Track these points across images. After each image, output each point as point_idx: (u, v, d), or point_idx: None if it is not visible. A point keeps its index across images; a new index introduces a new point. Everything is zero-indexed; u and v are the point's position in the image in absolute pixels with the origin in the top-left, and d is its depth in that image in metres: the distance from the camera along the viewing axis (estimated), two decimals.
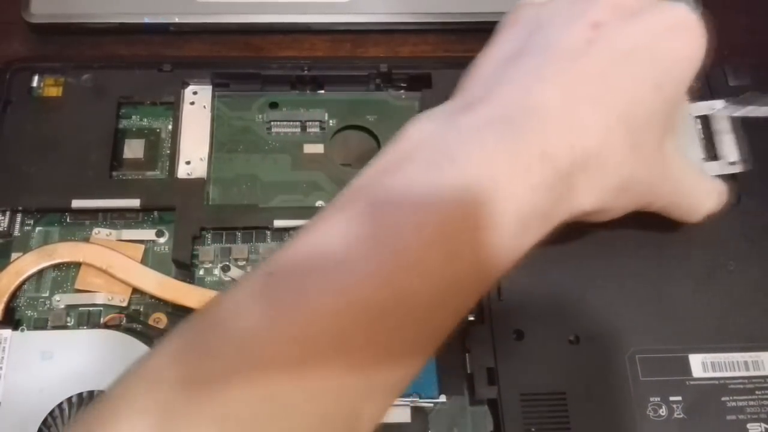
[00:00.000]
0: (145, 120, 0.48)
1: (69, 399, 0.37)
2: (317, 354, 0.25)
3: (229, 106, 0.48)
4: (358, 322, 0.26)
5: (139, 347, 0.38)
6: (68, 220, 0.44)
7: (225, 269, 0.43)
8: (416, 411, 0.39)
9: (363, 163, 0.47)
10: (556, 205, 0.31)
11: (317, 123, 0.48)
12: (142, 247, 0.43)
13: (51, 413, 0.37)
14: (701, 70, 0.49)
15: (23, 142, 0.45)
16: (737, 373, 0.40)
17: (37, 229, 0.44)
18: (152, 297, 0.41)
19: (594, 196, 0.32)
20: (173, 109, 0.47)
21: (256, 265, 0.30)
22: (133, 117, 0.48)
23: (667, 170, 0.35)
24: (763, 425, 0.39)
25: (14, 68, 0.47)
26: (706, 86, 0.48)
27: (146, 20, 0.50)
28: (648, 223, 0.44)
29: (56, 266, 0.42)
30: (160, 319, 0.41)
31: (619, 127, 0.31)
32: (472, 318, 0.42)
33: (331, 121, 0.48)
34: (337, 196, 0.30)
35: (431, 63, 0.49)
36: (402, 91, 0.49)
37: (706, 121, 0.47)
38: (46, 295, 0.42)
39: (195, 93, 0.48)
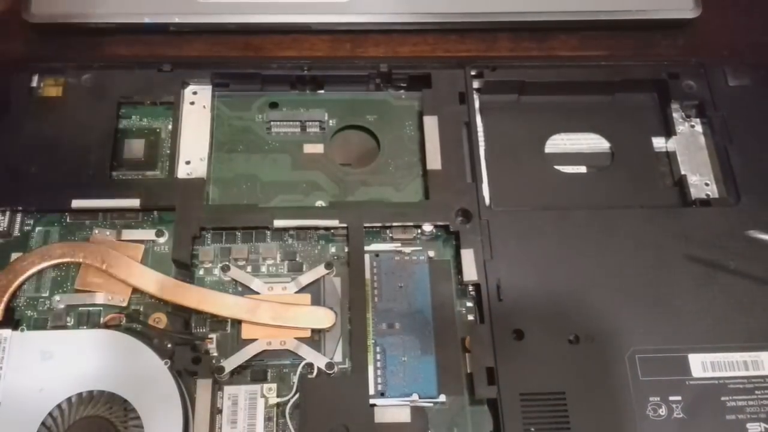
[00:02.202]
0: (145, 120, 0.48)
1: (69, 399, 0.37)
2: None
3: (229, 106, 0.48)
4: None
5: (139, 347, 0.38)
6: (68, 220, 0.44)
7: (225, 269, 0.43)
8: (416, 411, 0.39)
9: (363, 163, 0.48)
10: None
11: (317, 123, 0.48)
12: (142, 247, 0.43)
13: (51, 413, 0.37)
14: (701, 70, 0.49)
15: (23, 142, 0.45)
16: (737, 373, 0.40)
17: (37, 229, 0.44)
18: (152, 297, 0.41)
19: None
20: (173, 109, 0.47)
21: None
22: (133, 117, 0.48)
23: None
24: (762, 425, 0.39)
25: (14, 68, 0.47)
26: (706, 87, 0.48)
27: (146, 20, 0.50)
28: (648, 224, 0.44)
29: (56, 266, 0.42)
30: (160, 319, 0.41)
31: None
32: (471, 318, 0.42)
33: (331, 121, 0.48)
34: None
35: (431, 63, 0.49)
36: (402, 91, 0.49)
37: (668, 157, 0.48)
38: (46, 295, 0.42)
39: (195, 93, 0.48)
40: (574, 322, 0.41)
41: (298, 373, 0.40)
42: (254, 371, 0.40)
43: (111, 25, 0.50)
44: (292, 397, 0.39)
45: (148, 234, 0.44)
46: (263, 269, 0.43)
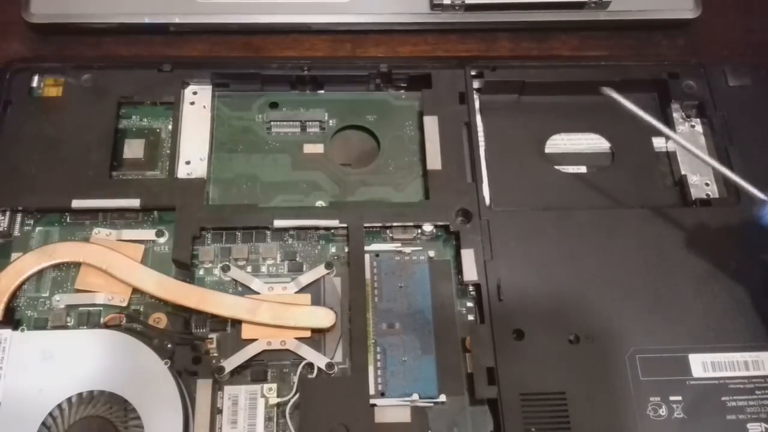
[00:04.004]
0: (145, 120, 0.48)
1: (69, 399, 0.37)
2: None
3: (229, 106, 0.48)
4: None
5: (139, 347, 0.38)
6: (68, 220, 0.44)
7: (225, 269, 0.43)
8: (416, 411, 0.39)
9: (363, 163, 0.48)
10: None
11: (317, 123, 0.48)
12: (142, 247, 0.43)
13: (51, 413, 0.37)
14: (701, 70, 0.49)
15: (23, 142, 0.45)
16: (737, 373, 0.40)
17: (37, 229, 0.44)
18: (152, 297, 0.41)
19: None
20: (173, 109, 0.47)
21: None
22: (133, 117, 0.48)
23: None
24: (763, 425, 0.39)
25: (14, 68, 0.47)
26: (706, 87, 0.48)
27: (146, 20, 0.50)
28: (648, 224, 0.44)
29: (56, 266, 0.42)
30: (160, 319, 0.41)
31: None
32: (472, 318, 0.42)
33: (331, 121, 0.48)
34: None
35: (431, 63, 0.49)
36: (402, 91, 0.49)
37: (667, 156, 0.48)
38: (46, 295, 0.42)
39: (195, 93, 0.48)
40: (574, 322, 0.41)
41: (298, 373, 0.40)
42: (254, 371, 0.40)
43: (111, 25, 0.50)
44: (292, 397, 0.39)
45: (148, 234, 0.44)
46: (263, 269, 0.43)
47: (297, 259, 0.43)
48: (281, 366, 0.40)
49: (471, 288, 0.43)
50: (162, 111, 0.48)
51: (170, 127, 0.47)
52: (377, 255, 0.43)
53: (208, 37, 0.51)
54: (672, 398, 0.39)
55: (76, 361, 0.38)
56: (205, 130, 0.47)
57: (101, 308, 0.41)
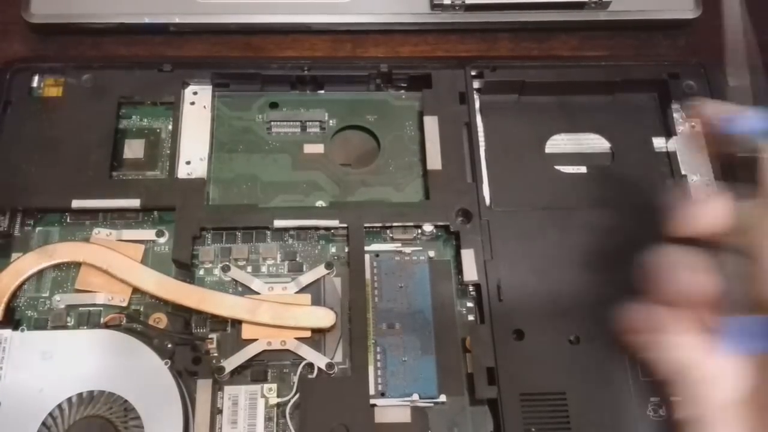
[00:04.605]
0: (145, 120, 0.48)
1: (69, 399, 0.37)
2: None
3: (229, 106, 0.48)
4: None
5: (139, 347, 0.38)
6: (68, 220, 0.44)
7: (225, 269, 0.43)
8: (416, 411, 0.39)
9: (363, 163, 0.48)
10: None
11: (317, 123, 0.48)
12: (142, 247, 0.43)
13: (51, 413, 0.37)
14: (701, 70, 0.49)
15: (23, 142, 0.45)
16: None
17: (37, 229, 0.44)
18: (152, 297, 0.41)
19: None
20: (173, 109, 0.47)
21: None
22: (133, 117, 0.48)
23: None
24: None
25: (14, 68, 0.47)
26: (706, 87, 0.48)
27: (146, 20, 0.50)
28: (648, 223, 0.44)
29: (56, 266, 0.42)
30: (160, 319, 0.41)
31: None
32: (472, 318, 0.42)
33: (331, 121, 0.48)
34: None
35: (431, 63, 0.49)
36: (402, 91, 0.49)
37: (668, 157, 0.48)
38: (46, 295, 0.42)
39: (195, 93, 0.48)
40: (574, 322, 0.41)
41: (298, 373, 0.40)
42: (254, 371, 0.40)
43: (111, 25, 0.50)
44: (292, 398, 0.39)
45: (149, 234, 0.44)
46: (263, 269, 0.43)
47: (297, 259, 0.43)
48: (281, 366, 0.40)
49: (471, 288, 0.43)
50: (162, 111, 0.48)
51: (170, 127, 0.47)
52: (377, 255, 0.43)
53: (208, 37, 0.51)
54: (672, 398, 0.39)
55: (76, 361, 0.38)
56: (205, 130, 0.47)
57: (101, 308, 0.41)
